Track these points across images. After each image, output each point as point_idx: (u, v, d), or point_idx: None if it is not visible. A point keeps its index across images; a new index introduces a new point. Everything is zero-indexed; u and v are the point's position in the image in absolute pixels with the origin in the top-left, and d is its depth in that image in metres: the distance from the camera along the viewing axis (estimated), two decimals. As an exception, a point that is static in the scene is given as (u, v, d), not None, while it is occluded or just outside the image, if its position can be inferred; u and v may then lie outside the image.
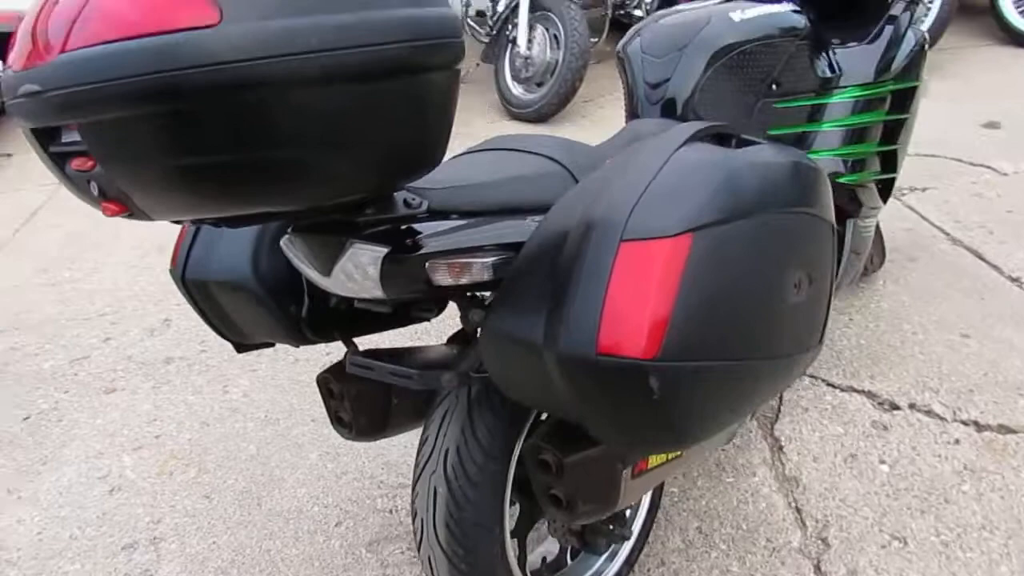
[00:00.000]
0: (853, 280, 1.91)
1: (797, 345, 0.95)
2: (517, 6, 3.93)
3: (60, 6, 0.74)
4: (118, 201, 0.80)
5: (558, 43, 3.85)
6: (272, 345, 1.35)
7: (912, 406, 1.89)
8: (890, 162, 1.83)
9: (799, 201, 0.94)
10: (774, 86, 1.58)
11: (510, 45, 4.06)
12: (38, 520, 1.90)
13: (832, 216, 1.03)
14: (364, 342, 1.29)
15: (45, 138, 0.80)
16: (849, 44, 1.75)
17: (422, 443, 1.24)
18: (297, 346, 1.29)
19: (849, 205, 1.75)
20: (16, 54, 0.80)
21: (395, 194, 0.96)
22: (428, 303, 1.17)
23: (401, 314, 1.20)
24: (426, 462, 1.22)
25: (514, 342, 0.88)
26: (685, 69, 1.53)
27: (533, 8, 3.88)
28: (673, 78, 1.54)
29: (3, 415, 2.31)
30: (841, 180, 1.68)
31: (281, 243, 1.07)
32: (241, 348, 1.36)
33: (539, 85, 4.09)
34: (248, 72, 0.68)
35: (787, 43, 1.57)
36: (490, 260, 0.98)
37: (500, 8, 4.29)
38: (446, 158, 0.94)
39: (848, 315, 2.25)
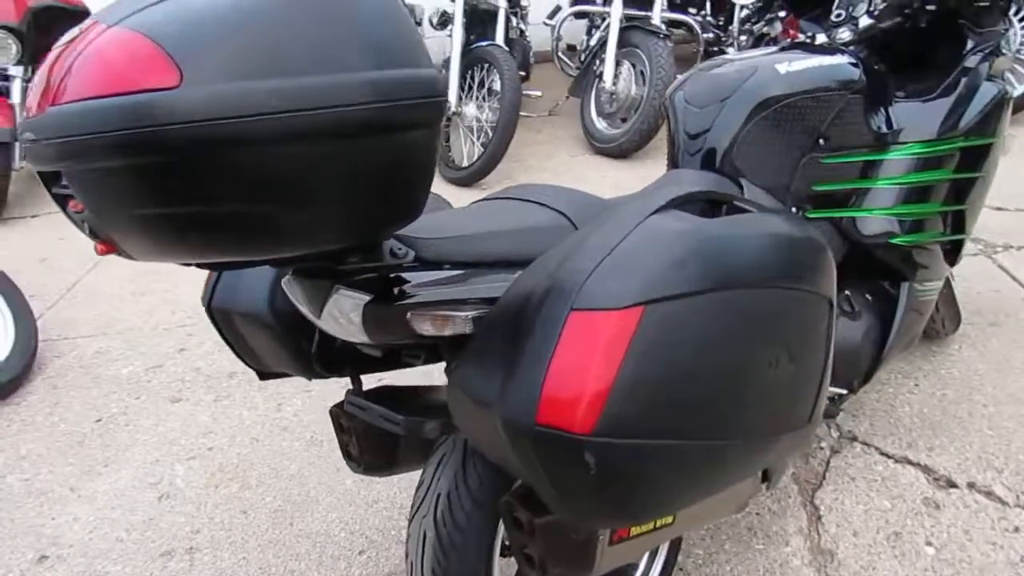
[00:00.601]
0: (908, 346, 1.80)
1: (775, 425, 0.90)
2: (606, 41, 3.94)
3: (60, 61, 0.80)
4: (106, 242, 0.85)
5: (644, 79, 3.83)
6: (290, 375, 1.39)
7: (971, 485, 1.75)
8: (958, 223, 1.72)
9: (781, 276, 0.89)
10: (822, 140, 1.52)
11: (596, 80, 4.07)
12: (92, 519, 2.02)
13: (830, 291, 0.97)
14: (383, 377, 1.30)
15: (48, 180, 0.87)
16: (915, 97, 1.67)
17: (419, 485, 1.24)
18: (309, 379, 1.33)
19: (904, 267, 1.65)
20: (30, 101, 0.87)
21: (383, 242, 0.98)
22: (416, 350, 1.18)
23: (391, 358, 1.22)
24: (419, 505, 1.22)
25: (472, 399, 0.88)
26: (725, 121, 1.49)
27: (621, 44, 3.88)
28: (713, 129, 1.50)
29: (80, 416, 2.48)
30: (894, 241, 1.59)
31: (282, 282, 1.10)
32: (263, 376, 1.41)
33: (623, 121, 4.07)
34: (208, 131, 0.71)
35: (837, 97, 1.51)
36: (471, 314, 0.98)
37: (592, 43, 4.32)
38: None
39: (914, 380, 2.12)
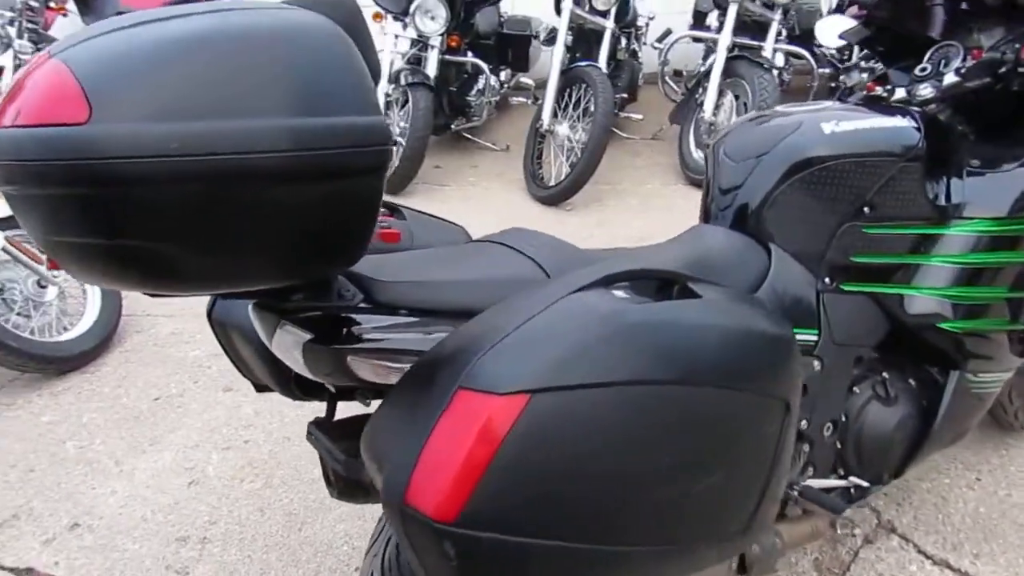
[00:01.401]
0: (955, 441, 1.62)
1: (691, 533, 0.82)
2: (712, 69, 3.81)
3: (15, 86, 0.83)
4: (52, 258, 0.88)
5: (746, 111, 3.67)
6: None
7: (1015, 606, 1.57)
8: (1030, 309, 1.54)
9: (716, 373, 0.81)
10: (866, 209, 1.39)
11: (698, 108, 3.94)
12: (125, 495, 2.12)
13: (787, 391, 0.88)
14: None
15: None
16: (991, 167, 1.50)
17: (379, 519, 1.23)
18: (293, 400, 1.34)
19: (954, 354, 1.48)
20: None
21: (334, 282, 0.97)
22: (365, 391, 1.16)
23: (346, 392, 1.20)
24: (374, 541, 1.21)
25: (370, 454, 0.85)
26: (759, 178, 1.39)
27: (728, 73, 3.74)
28: (744, 186, 1.41)
29: (141, 393, 2.62)
30: (944, 326, 1.44)
31: (248, 308, 1.11)
32: (258, 389, 1.43)
33: (722, 153, 3.91)
34: (111, 169, 0.71)
35: (888, 163, 1.37)
36: (407, 366, 0.95)
37: (703, 70, 4.19)
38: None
39: (976, 473, 1.91)
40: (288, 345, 0.98)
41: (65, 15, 5.12)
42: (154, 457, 2.28)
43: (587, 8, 3.99)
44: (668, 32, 4.53)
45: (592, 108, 3.73)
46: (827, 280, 1.41)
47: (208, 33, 0.77)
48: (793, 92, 4.28)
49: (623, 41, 4.57)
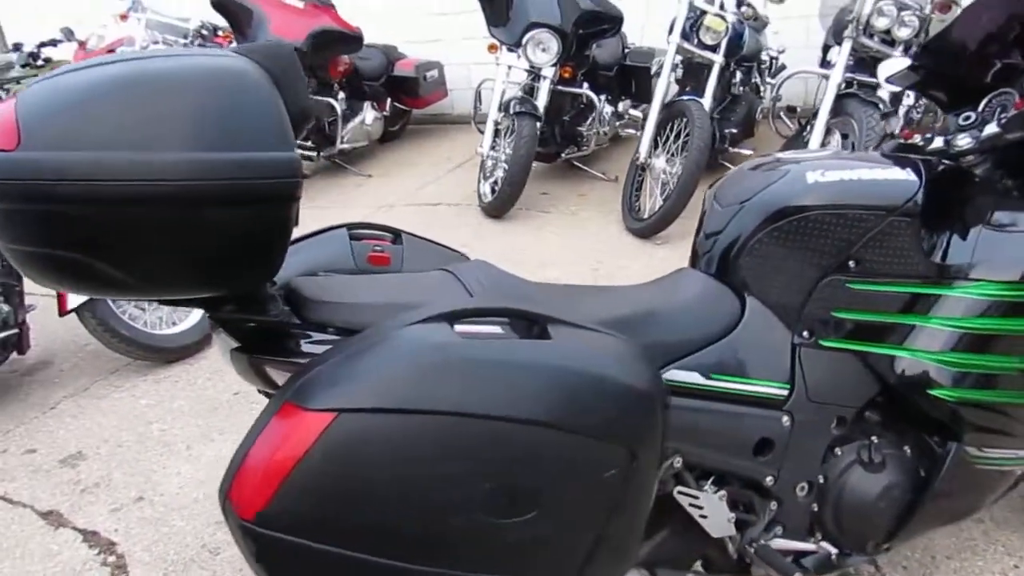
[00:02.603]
0: (958, 519, 1.49)
1: (500, 568, 0.84)
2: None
3: None
4: None
5: (853, 151, 3.49)
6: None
7: None
8: (1056, 385, 1.41)
9: (546, 414, 0.82)
10: (851, 263, 1.33)
11: (804, 147, 3.79)
12: (187, 477, 2.36)
13: (633, 441, 0.87)
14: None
15: None
16: (1015, 227, 1.39)
17: None
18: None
19: (952, 424, 1.38)
20: None
21: (266, 296, 1.07)
22: None
23: None
24: None
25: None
26: (739, 224, 1.38)
27: (837, 111, 3.57)
28: (724, 232, 1.39)
29: (226, 386, 2.88)
30: (935, 393, 1.34)
31: None
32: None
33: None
34: (35, 189, 0.85)
35: (873, 217, 1.31)
36: None
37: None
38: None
39: (1016, 560, 1.74)
40: (222, 349, 1.10)
41: (231, 42, 5.68)
42: (219, 446, 2.51)
43: (695, 42, 3.95)
44: (782, 67, 4.39)
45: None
46: (805, 334, 1.36)
47: (130, 76, 0.90)
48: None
49: (738, 75, 4.48)
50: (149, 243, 0.90)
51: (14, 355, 2.96)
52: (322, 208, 4.99)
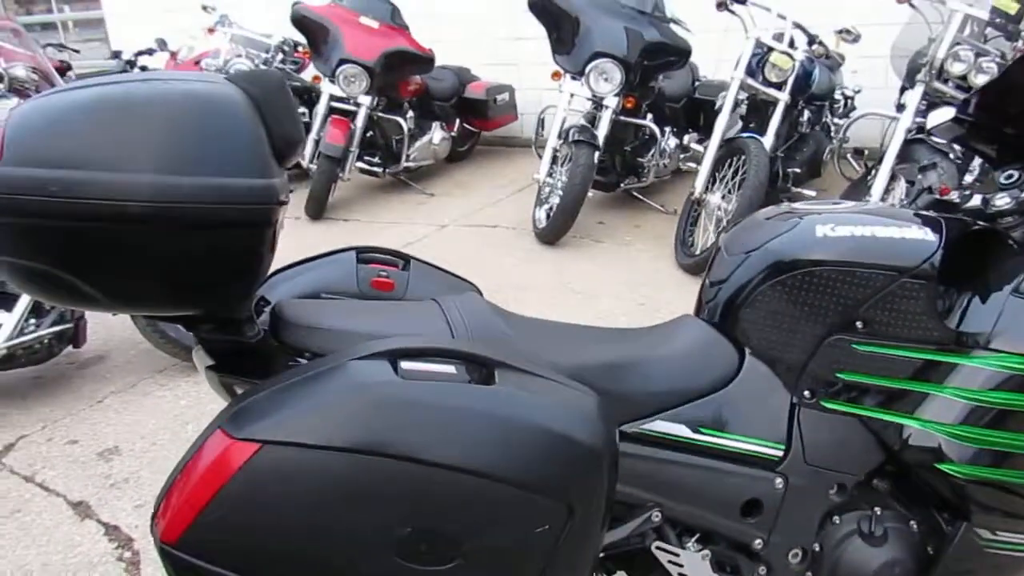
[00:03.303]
0: None
1: None
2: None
3: None
4: None
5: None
6: None
7: None
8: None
9: (475, 462, 0.81)
10: (859, 323, 1.27)
11: (867, 191, 3.65)
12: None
13: (571, 497, 0.84)
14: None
15: None
16: (1042, 296, 1.30)
17: None
18: None
19: (959, 502, 1.29)
20: None
21: (243, 317, 1.09)
22: None
23: None
24: None
25: None
26: (743, 275, 1.33)
27: (903, 158, 3.44)
28: (728, 281, 1.35)
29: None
30: (943, 467, 1.26)
31: None
32: None
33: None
34: (13, 203, 0.89)
35: (882, 277, 1.25)
36: None
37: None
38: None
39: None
40: (200, 365, 1.13)
41: (310, 58, 5.88)
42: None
43: (760, 79, 3.87)
44: (852, 109, 4.26)
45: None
46: (806, 394, 1.30)
47: (111, 99, 0.93)
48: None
49: (806, 114, 4.36)
50: (120, 262, 0.92)
51: (70, 348, 3.11)
52: (381, 224, 5.09)
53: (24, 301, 2.88)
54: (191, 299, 0.99)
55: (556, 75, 4.50)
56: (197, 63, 5.96)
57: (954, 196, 1.65)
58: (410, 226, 4.99)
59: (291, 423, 0.81)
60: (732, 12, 3.85)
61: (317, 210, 5.18)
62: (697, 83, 5.15)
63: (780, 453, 1.28)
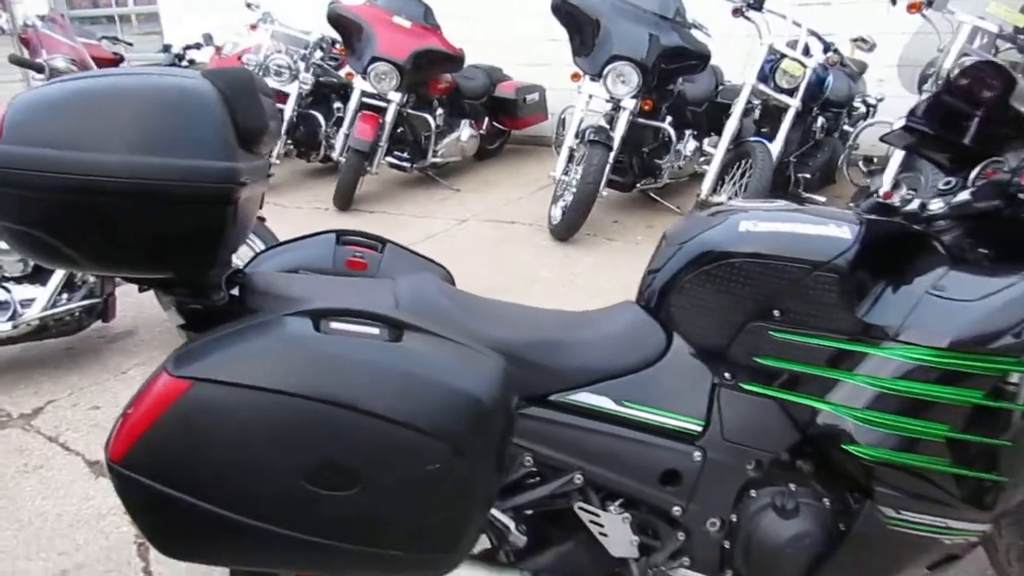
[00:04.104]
0: None
1: (328, 533, 0.97)
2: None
3: None
4: None
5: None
6: None
7: None
8: (988, 461, 1.39)
9: (374, 405, 0.95)
10: (776, 312, 1.38)
11: (873, 196, 3.69)
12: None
13: (458, 439, 0.98)
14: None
15: None
16: (957, 295, 1.39)
17: None
18: None
19: (865, 482, 1.38)
20: None
21: (210, 283, 1.24)
22: None
23: None
24: None
25: None
26: (674, 265, 1.45)
27: (907, 166, 3.47)
28: (662, 270, 1.47)
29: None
30: (848, 448, 1.36)
31: None
32: None
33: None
34: (7, 176, 1.06)
35: (796, 269, 1.35)
36: None
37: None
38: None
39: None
40: (173, 323, 1.28)
41: (345, 54, 6.08)
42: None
43: (772, 85, 3.94)
44: (861, 116, 4.29)
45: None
46: (726, 375, 1.41)
47: (96, 90, 1.09)
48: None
49: (820, 120, 4.40)
50: (97, 229, 1.08)
51: (100, 323, 3.33)
52: (405, 217, 5.26)
53: (57, 277, 3.11)
54: (159, 265, 1.15)
55: (576, 76, 4.62)
56: (239, 58, 6.20)
57: (895, 200, 1.74)
58: (432, 220, 5.16)
59: (220, 365, 0.96)
60: (748, 19, 3.92)
61: (344, 202, 5.38)
62: (720, 87, 5.21)
63: (700, 428, 1.40)
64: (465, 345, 1.09)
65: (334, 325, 1.03)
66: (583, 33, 4.47)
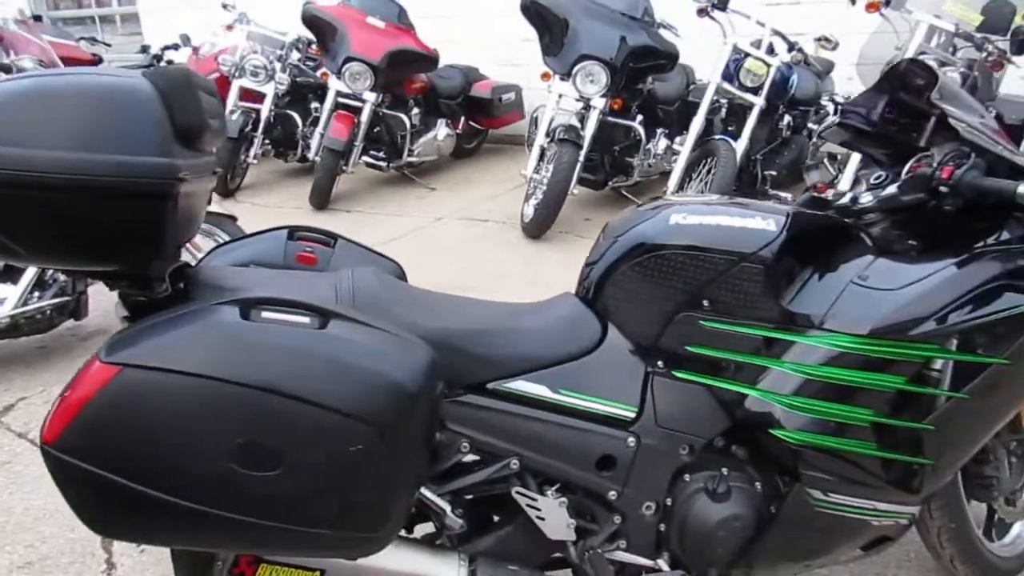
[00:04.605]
0: (806, 559, 1.52)
1: (255, 513, 1.02)
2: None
3: None
4: None
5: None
6: None
7: None
8: (914, 445, 1.45)
9: (297, 388, 1.01)
10: (705, 302, 1.43)
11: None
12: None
13: (379, 421, 1.03)
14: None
15: None
16: (880, 284, 1.45)
17: None
18: None
19: (790, 464, 1.44)
20: None
21: (153, 276, 1.27)
22: None
23: None
24: None
25: None
26: (609, 257, 1.50)
27: (865, 163, 3.54)
28: (599, 262, 1.52)
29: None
30: (776, 432, 1.41)
31: None
32: None
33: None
34: None
35: (722, 261, 1.40)
36: None
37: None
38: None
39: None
40: (118, 315, 1.32)
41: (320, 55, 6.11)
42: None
43: (736, 84, 4.01)
44: (828, 114, 4.36)
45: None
46: (659, 364, 1.47)
47: (34, 88, 1.12)
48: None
49: (786, 119, 4.48)
50: (40, 223, 1.11)
51: (72, 321, 3.36)
52: (381, 215, 5.30)
53: (28, 275, 3.13)
54: (102, 258, 1.18)
55: (546, 76, 4.67)
56: (216, 58, 6.22)
57: (829, 194, 1.81)
58: (407, 218, 5.20)
59: (148, 351, 1.01)
60: (712, 18, 3.98)
61: (321, 201, 5.41)
62: (692, 86, 5.28)
63: (633, 415, 1.45)
64: (390, 333, 1.14)
65: (265, 314, 1.08)
66: (552, 33, 4.52)
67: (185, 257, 1.39)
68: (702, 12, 3.95)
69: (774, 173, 4.30)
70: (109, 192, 1.09)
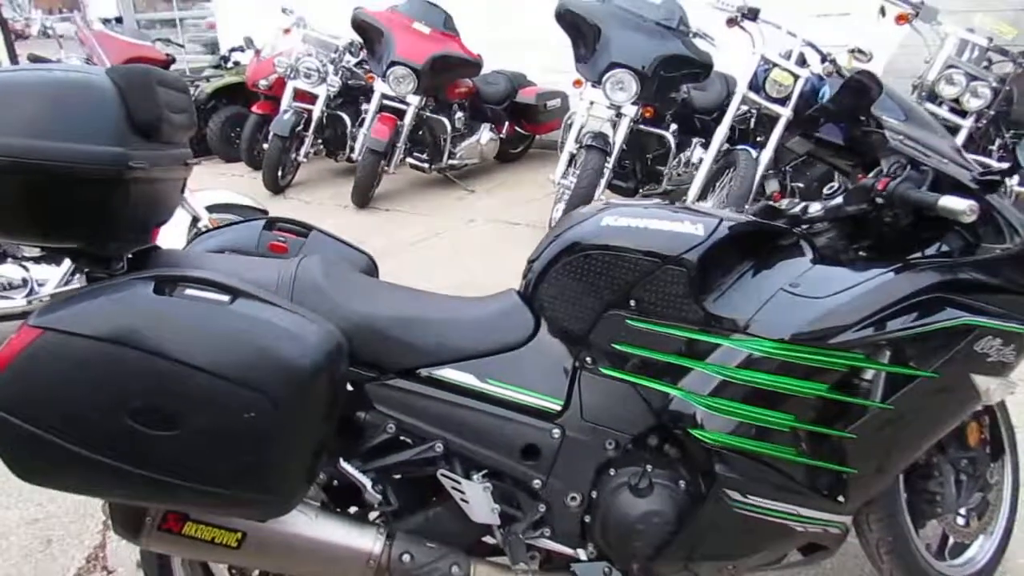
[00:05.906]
0: (727, 559, 1.53)
1: (159, 469, 1.14)
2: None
3: None
4: None
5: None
6: None
7: None
8: (837, 453, 1.46)
9: (192, 356, 1.11)
10: (632, 302, 1.48)
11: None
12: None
13: (274, 393, 1.12)
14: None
15: None
16: (809, 292, 1.47)
17: None
18: None
19: (706, 465, 1.47)
20: None
21: (110, 256, 1.39)
22: None
23: None
24: None
25: None
26: (547, 255, 1.55)
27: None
28: (538, 260, 1.58)
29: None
30: (694, 432, 1.44)
31: None
32: None
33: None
34: None
35: (647, 263, 1.45)
36: None
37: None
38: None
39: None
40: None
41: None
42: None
43: (763, 94, 3.98)
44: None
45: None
46: (587, 360, 1.52)
47: (2, 82, 1.26)
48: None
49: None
50: (2, 202, 1.25)
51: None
52: (417, 215, 5.44)
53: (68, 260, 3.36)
54: (62, 236, 1.31)
55: (578, 83, 4.72)
56: (273, 61, 6.48)
57: (783, 203, 1.82)
58: (441, 219, 5.32)
59: (67, 317, 1.14)
60: (743, 28, 3.97)
61: (362, 199, 5.59)
62: (731, 96, 5.24)
63: (559, 408, 1.50)
64: (297, 313, 1.23)
65: (188, 291, 1.19)
66: (586, 41, 4.57)
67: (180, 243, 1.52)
68: (732, 22, 3.95)
69: (802, 185, 4.25)
70: (65, 176, 1.21)
